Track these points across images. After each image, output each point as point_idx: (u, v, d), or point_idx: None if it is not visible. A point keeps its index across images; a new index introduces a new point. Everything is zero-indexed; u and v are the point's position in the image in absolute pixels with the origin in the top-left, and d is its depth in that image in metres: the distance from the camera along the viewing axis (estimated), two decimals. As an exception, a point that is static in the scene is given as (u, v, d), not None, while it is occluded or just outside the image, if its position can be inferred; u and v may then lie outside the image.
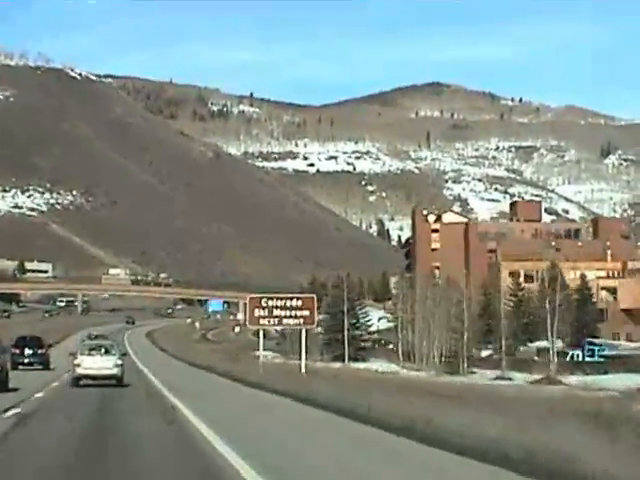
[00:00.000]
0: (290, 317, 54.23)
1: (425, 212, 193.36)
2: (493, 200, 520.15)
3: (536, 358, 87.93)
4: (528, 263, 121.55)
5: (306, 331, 56.66)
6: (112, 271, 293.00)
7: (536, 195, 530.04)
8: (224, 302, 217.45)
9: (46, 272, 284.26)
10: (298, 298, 55.76)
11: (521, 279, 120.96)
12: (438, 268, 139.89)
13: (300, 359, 57.36)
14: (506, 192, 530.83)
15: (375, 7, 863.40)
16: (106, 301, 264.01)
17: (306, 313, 53.88)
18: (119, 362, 39.99)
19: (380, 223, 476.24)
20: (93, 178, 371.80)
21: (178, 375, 57.80)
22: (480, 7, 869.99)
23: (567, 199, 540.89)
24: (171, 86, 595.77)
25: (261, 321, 55.42)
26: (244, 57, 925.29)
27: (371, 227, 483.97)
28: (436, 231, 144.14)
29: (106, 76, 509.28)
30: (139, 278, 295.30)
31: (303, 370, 55.68)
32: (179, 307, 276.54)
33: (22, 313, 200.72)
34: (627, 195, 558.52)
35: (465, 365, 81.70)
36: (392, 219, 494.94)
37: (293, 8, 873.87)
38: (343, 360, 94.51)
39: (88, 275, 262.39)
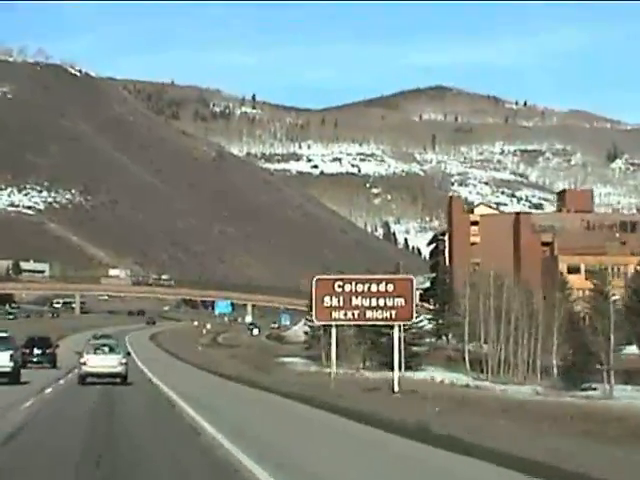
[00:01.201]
0: (377, 308, 36.38)
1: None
2: (500, 203, 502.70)
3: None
4: (588, 257, 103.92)
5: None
6: (112, 272, 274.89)
7: (544, 199, 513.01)
8: (232, 304, 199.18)
9: (42, 272, 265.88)
10: (389, 280, 37.36)
11: (581, 275, 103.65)
12: (477, 264, 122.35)
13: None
14: (513, 195, 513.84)
15: (376, 11, 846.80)
16: (105, 303, 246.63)
17: (400, 302, 36.10)
18: (123, 360, 40.75)
19: (386, 226, 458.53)
20: (93, 176, 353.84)
21: (216, 395, 40.49)
22: (483, 11, 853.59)
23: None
24: (172, 87, 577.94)
25: (334, 314, 37.58)
26: (245, 61, 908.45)
27: (376, 230, 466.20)
28: (475, 223, 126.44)
29: (106, 78, 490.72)
30: (140, 279, 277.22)
31: (396, 386, 38.33)
32: (182, 310, 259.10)
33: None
34: (634, 200, 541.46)
35: (581, 378, 63.76)
36: (398, 222, 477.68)
37: (294, 12, 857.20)
38: (392, 368, 76.59)
39: (86, 276, 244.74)
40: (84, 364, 40.14)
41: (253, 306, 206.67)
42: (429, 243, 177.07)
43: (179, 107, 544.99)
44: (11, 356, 39.64)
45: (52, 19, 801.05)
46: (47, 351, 59.15)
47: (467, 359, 71.99)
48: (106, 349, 41.38)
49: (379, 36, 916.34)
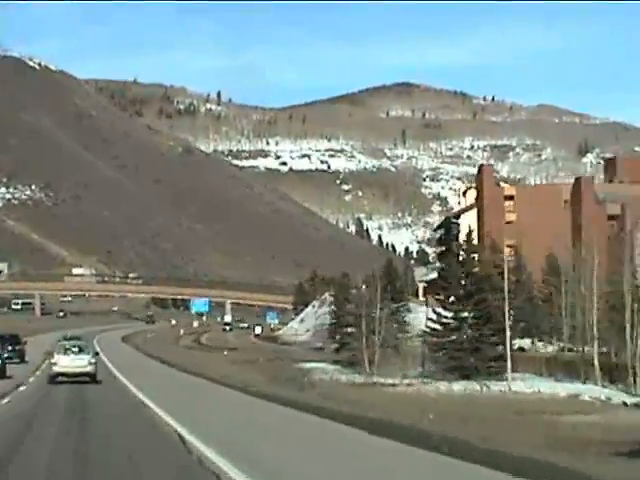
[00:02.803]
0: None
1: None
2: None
3: None
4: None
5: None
6: (75, 270, 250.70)
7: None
8: (210, 302, 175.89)
9: (0, 272, 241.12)
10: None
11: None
12: (512, 247, 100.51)
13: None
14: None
15: (338, 10, 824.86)
16: (68, 304, 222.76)
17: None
18: (93, 360, 41.77)
19: (359, 222, 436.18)
20: (54, 172, 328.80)
21: (258, 430, 23.26)
22: (446, 9, 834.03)
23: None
24: (135, 85, 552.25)
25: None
26: (209, 62, 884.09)
27: (348, 227, 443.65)
28: (510, 198, 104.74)
29: (67, 73, 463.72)
30: (106, 279, 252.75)
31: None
32: (149, 313, 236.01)
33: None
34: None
35: None
36: (370, 218, 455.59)
37: (255, 13, 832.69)
38: (467, 377, 54.29)
39: (47, 275, 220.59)
40: (55, 364, 40.80)
41: (239, 304, 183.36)
42: (436, 228, 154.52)
43: (143, 104, 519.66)
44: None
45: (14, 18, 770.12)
46: (17, 347, 62.16)
47: (597, 364, 49.57)
48: (76, 349, 41.66)
49: (341, 36, 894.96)
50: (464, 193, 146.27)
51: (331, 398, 37.21)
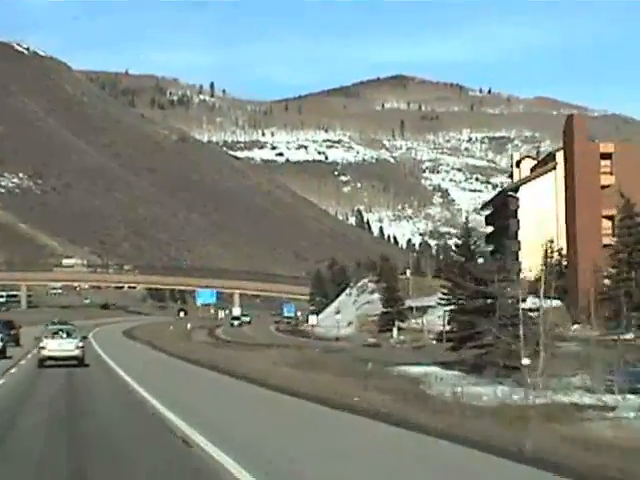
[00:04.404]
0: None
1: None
2: (475, 190, 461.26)
3: None
4: None
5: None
6: (66, 261, 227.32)
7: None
8: (218, 293, 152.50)
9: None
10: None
11: None
12: (610, 218, 78.58)
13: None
14: (488, 182, 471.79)
15: (329, 4, 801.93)
16: (58, 296, 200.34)
17: None
18: (80, 344, 41.23)
19: (359, 214, 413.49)
20: (43, 159, 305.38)
21: None
22: (438, 2, 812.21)
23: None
24: (127, 77, 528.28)
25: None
26: (201, 55, 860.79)
27: (347, 218, 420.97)
28: (608, 157, 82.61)
29: (56, 58, 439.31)
30: (99, 271, 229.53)
31: None
32: (148, 303, 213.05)
33: None
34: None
35: None
36: (369, 210, 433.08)
37: (249, 6, 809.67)
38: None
39: (36, 265, 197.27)
40: (43, 348, 40.79)
41: (246, 296, 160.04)
42: (484, 206, 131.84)
43: (135, 95, 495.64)
44: (1, 338, 48.12)
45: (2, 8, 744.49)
46: (12, 332, 63.09)
47: None
48: (63, 334, 42.08)
49: (334, 29, 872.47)
50: (517, 163, 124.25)
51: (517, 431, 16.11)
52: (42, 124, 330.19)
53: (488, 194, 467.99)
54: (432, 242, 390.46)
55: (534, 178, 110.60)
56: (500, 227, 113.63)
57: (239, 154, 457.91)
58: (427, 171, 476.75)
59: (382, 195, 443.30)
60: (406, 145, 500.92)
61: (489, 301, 42.08)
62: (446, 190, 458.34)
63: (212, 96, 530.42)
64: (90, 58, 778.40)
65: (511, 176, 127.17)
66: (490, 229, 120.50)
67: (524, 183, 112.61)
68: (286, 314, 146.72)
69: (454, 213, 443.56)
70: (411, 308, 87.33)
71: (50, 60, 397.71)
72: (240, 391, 30.24)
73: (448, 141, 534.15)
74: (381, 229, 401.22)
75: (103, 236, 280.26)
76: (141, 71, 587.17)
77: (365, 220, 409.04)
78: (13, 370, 39.16)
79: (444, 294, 75.19)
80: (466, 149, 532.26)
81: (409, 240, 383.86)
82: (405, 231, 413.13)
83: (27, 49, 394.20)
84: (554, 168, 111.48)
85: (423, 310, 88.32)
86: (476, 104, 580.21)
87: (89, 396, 26.81)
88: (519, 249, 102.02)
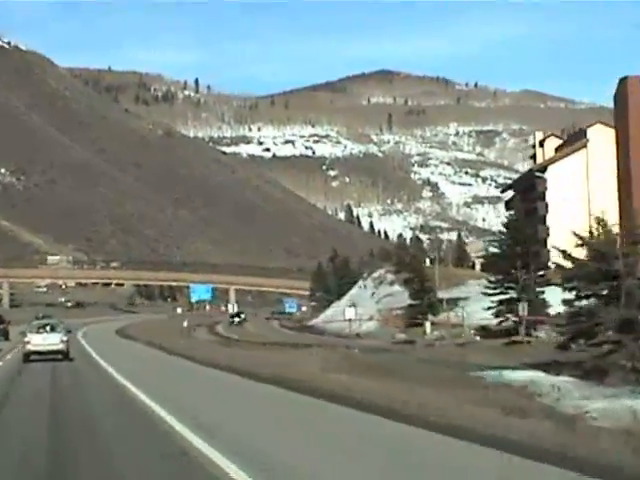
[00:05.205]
0: None
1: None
2: (464, 184, 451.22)
3: None
4: None
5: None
6: (51, 259, 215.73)
7: (509, 178, 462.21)
8: (214, 288, 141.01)
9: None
10: None
11: None
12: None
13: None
14: (477, 175, 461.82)
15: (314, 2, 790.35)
16: (43, 295, 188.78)
17: None
18: (64, 338, 40.66)
19: (348, 209, 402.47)
20: (26, 155, 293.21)
21: None
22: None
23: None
24: (110, 74, 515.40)
25: None
26: (184, 52, 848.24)
27: (337, 213, 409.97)
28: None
29: (39, 53, 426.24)
30: (85, 267, 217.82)
31: None
32: (137, 301, 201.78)
33: None
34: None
35: None
36: (359, 205, 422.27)
37: (232, 3, 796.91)
38: None
39: (19, 262, 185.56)
40: (28, 343, 40.31)
41: (242, 291, 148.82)
42: (503, 190, 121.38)
43: (118, 91, 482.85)
44: None
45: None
46: (1, 326, 65.53)
47: None
48: (48, 328, 41.32)
49: (318, 25, 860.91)
50: (541, 143, 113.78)
51: None
52: (25, 119, 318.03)
53: (478, 188, 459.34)
54: (423, 236, 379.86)
55: (564, 156, 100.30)
56: (525, 211, 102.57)
57: (225, 149, 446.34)
58: (416, 165, 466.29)
59: (371, 189, 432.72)
60: (394, 139, 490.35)
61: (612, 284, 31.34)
62: (436, 184, 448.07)
63: (197, 92, 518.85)
64: (72, 56, 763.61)
65: (533, 157, 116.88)
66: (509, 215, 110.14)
67: (552, 163, 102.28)
68: (287, 310, 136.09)
69: (444, 207, 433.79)
70: (441, 300, 76.65)
71: (32, 55, 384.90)
72: (320, 414, 19.43)
73: (436, 135, 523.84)
74: (371, 224, 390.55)
75: (89, 233, 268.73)
76: (124, 67, 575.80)
77: (355, 215, 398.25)
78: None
79: (491, 282, 64.85)
80: (454, 143, 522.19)
81: (400, 234, 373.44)
82: (395, 226, 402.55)
83: (8, 43, 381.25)
84: (584, 146, 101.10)
85: (454, 302, 77.79)
86: (462, 98, 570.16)
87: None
88: (547, 235, 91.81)
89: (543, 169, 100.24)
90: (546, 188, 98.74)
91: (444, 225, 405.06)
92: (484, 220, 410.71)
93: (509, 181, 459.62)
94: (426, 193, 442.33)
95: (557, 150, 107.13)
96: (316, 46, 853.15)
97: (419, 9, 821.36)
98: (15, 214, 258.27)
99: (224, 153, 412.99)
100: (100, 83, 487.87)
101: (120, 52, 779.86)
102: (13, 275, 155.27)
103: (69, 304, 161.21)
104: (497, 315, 62.43)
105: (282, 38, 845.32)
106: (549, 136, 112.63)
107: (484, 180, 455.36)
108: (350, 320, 70.72)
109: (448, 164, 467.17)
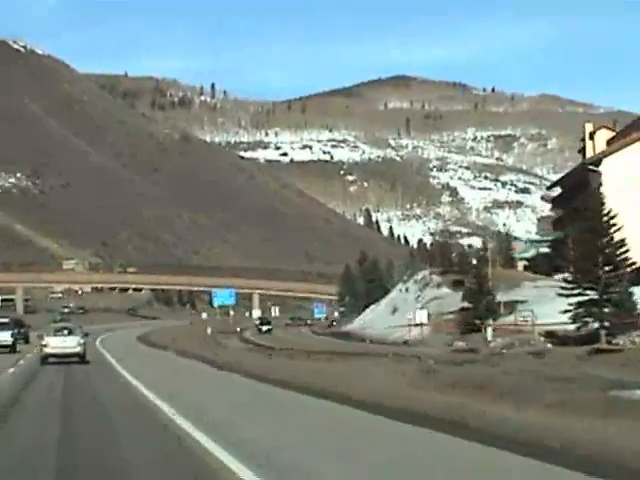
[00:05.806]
0: None
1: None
2: (484, 189, 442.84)
3: None
4: None
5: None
6: (66, 264, 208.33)
7: (530, 183, 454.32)
8: (236, 293, 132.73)
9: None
10: None
11: None
12: None
13: None
14: (497, 180, 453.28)
15: (329, 5, 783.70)
16: (58, 301, 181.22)
17: None
18: (82, 341, 40.93)
19: (367, 214, 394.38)
20: (42, 159, 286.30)
21: None
22: (439, 2, 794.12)
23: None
24: (126, 79, 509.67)
25: None
26: (200, 58, 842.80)
27: (355, 218, 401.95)
28: None
29: (54, 56, 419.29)
30: (101, 272, 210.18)
31: None
32: (155, 306, 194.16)
33: None
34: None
35: None
36: (377, 210, 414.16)
37: (250, 8, 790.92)
38: None
39: (35, 267, 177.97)
40: (45, 346, 40.29)
41: (271, 295, 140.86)
42: (550, 187, 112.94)
43: (135, 97, 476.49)
44: (12, 334, 54.01)
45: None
46: (22, 330, 65.36)
47: None
48: (65, 332, 41.36)
49: (334, 31, 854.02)
50: (591, 135, 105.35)
51: None
52: (41, 123, 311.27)
53: (497, 192, 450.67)
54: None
55: (622, 147, 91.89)
56: (576, 209, 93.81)
57: (243, 154, 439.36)
58: (435, 170, 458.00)
59: (390, 194, 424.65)
60: (412, 144, 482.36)
61: None
62: (455, 188, 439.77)
63: (213, 97, 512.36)
64: (88, 61, 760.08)
65: (582, 151, 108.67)
66: (558, 213, 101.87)
67: (607, 156, 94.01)
68: (317, 315, 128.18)
69: (464, 212, 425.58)
70: (499, 303, 68.64)
71: (49, 59, 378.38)
72: (446, 452, 11.56)
73: (453, 140, 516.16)
74: (391, 229, 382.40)
75: (105, 237, 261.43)
76: (140, 73, 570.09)
77: (374, 220, 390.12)
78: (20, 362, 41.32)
79: (568, 282, 56.84)
80: (472, 148, 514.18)
81: (420, 240, 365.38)
82: (415, 231, 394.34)
83: (24, 47, 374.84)
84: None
85: (511, 305, 69.76)
86: (480, 103, 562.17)
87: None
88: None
89: (598, 162, 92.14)
90: (601, 183, 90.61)
91: (464, 230, 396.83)
92: (504, 225, 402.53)
93: (529, 186, 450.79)
94: (445, 198, 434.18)
95: (609, 143, 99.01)
96: (331, 51, 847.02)
97: (435, 14, 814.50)
98: (30, 218, 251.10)
99: (242, 158, 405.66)
100: (116, 88, 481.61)
101: (136, 58, 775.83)
102: (28, 280, 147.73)
103: (66, 310, 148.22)
104: (574, 319, 54.30)
105: (298, 43, 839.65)
106: (600, 128, 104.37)
107: (504, 185, 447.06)
108: (422, 325, 62.56)
109: (467, 169, 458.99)
